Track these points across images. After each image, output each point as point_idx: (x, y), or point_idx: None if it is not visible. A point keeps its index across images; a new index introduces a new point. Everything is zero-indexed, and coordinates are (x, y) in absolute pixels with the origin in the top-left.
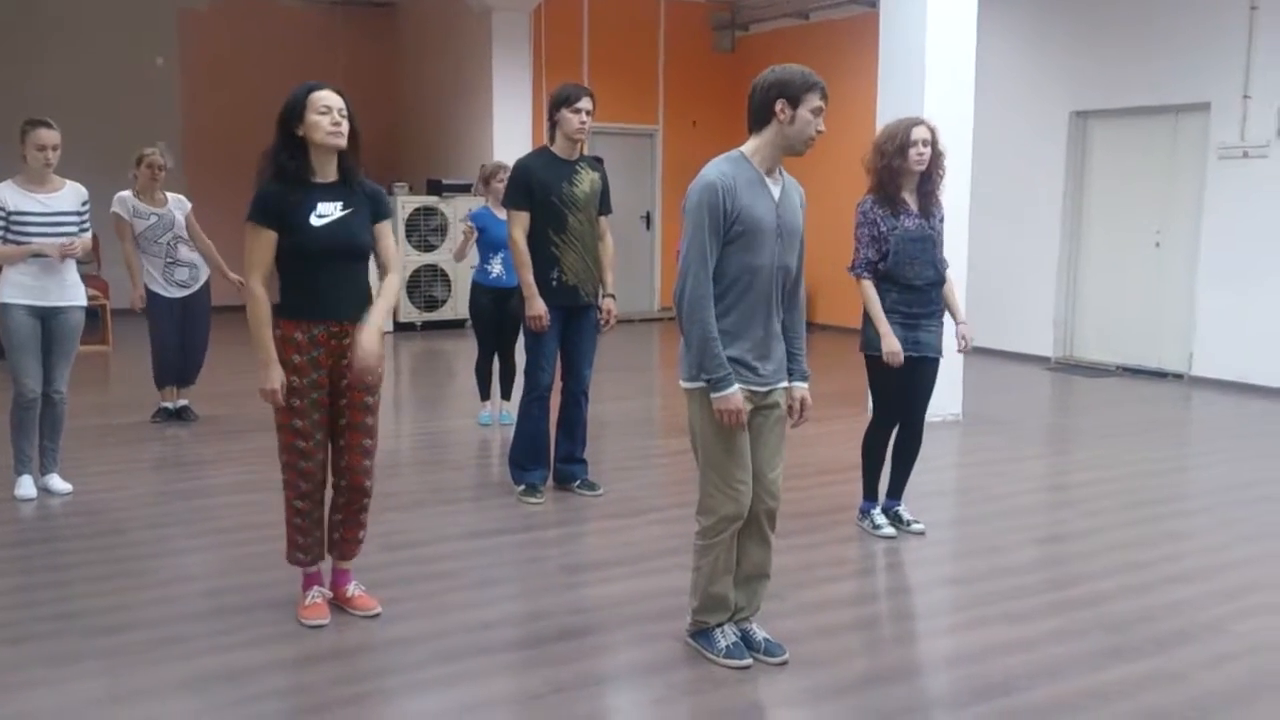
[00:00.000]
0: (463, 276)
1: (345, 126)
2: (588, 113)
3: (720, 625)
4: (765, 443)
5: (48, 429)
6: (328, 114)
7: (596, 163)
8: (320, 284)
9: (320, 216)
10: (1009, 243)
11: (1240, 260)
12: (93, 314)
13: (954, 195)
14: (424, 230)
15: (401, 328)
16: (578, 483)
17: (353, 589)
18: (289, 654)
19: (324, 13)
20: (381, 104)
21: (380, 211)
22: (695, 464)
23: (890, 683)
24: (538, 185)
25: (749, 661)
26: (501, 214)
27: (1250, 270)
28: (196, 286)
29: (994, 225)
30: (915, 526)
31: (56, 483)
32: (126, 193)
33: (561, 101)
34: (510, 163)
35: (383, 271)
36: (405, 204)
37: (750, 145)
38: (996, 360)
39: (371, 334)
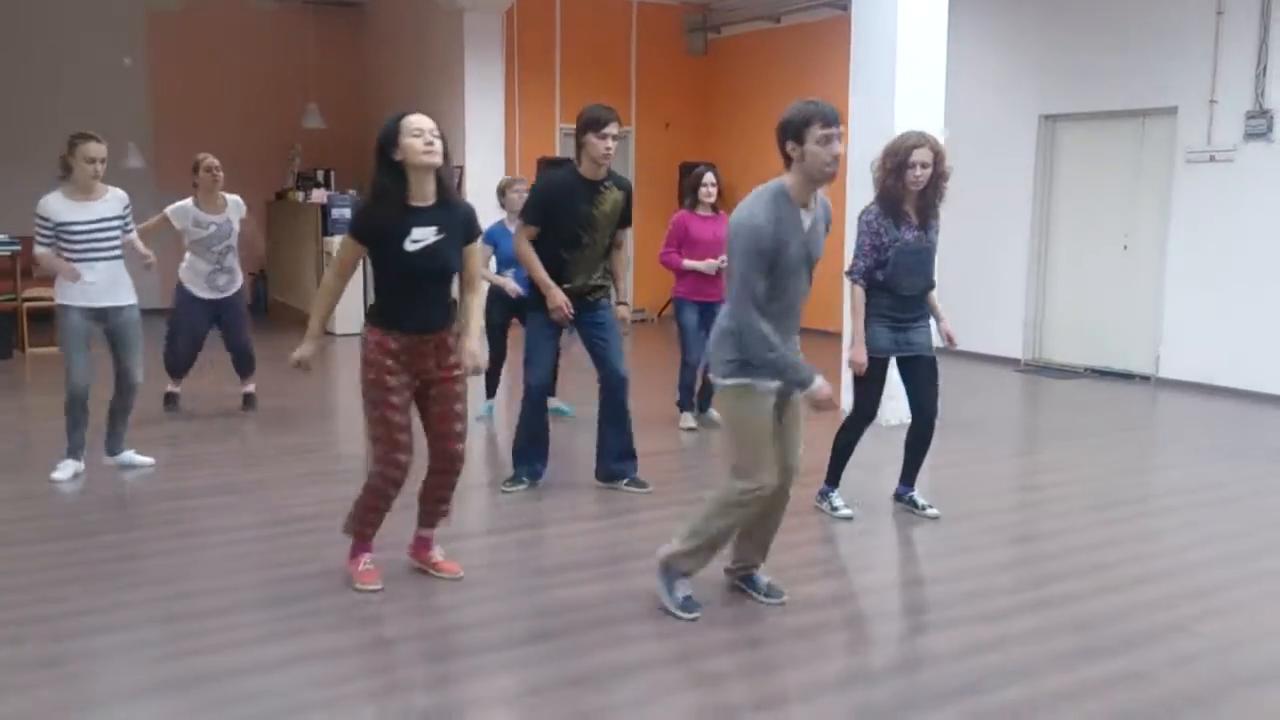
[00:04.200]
0: None
1: (439, 146)
2: (614, 137)
3: (686, 576)
4: (790, 435)
5: (120, 414)
6: (420, 136)
7: (623, 180)
8: (410, 301)
9: (414, 241)
10: (979, 245)
11: (1207, 263)
12: None
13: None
14: None
15: None
16: (626, 480)
17: (439, 554)
18: (262, 658)
19: (294, 13)
20: (352, 105)
21: (472, 233)
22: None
23: (863, 683)
24: (558, 208)
25: (697, 615)
26: (510, 225)
27: (1217, 273)
28: (231, 292)
29: (964, 228)
30: (930, 511)
31: (134, 457)
32: (188, 202)
33: (589, 126)
34: (519, 176)
35: (466, 287)
36: None
37: (787, 179)
38: (966, 362)
39: (475, 343)
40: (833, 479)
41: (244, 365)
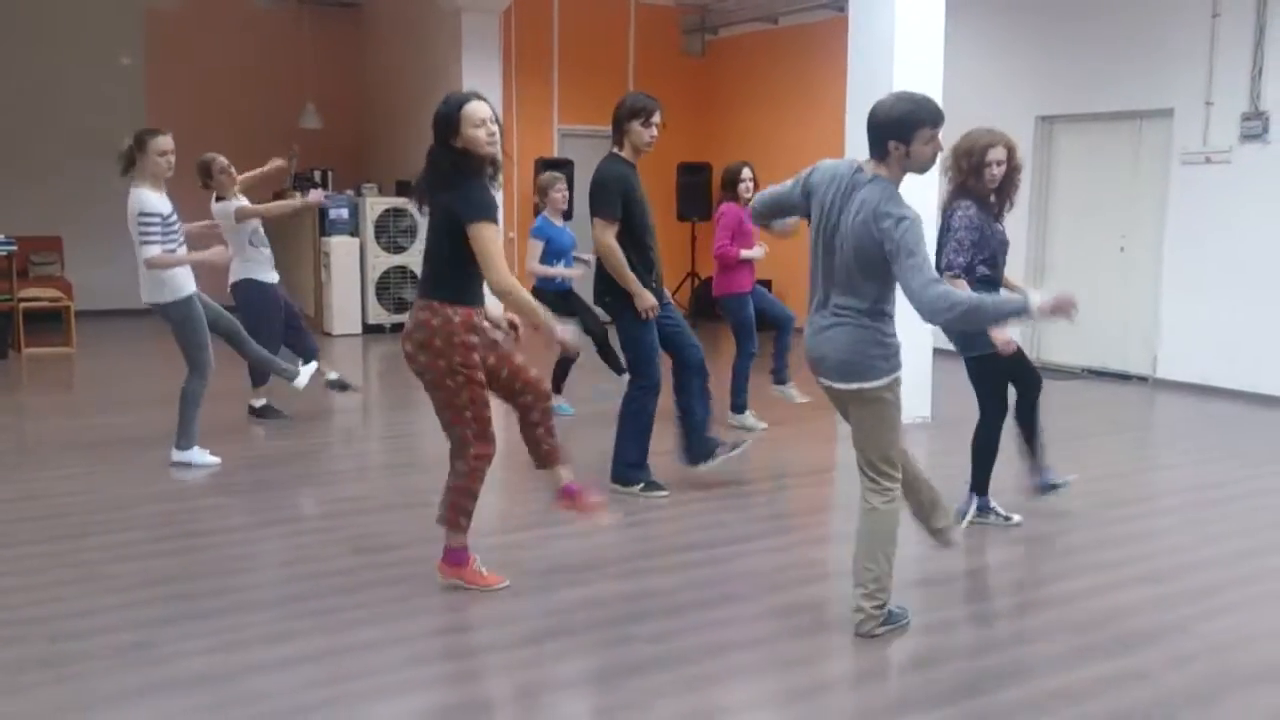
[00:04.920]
0: None
1: (498, 134)
2: (658, 126)
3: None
4: None
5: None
6: (483, 126)
7: None
8: (480, 276)
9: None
10: None
11: (1204, 264)
12: (56, 316)
13: (922, 199)
14: (393, 231)
15: (370, 330)
16: (716, 450)
17: (595, 496)
18: (259, 658)
19: (292, 12)
20: (350, 104)
21: None
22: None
23: (861, 684)
24: (633, 197)
25: (909, 619)
26: (558, 221)
27: (1213, 274)
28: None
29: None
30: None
31: (208, 456)
32: (220, 203)
33: (636, 114)
34: (557, 174)
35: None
36: (374, 205)
37: (885, 171)
38: (964, 363)
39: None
40: (983, 486)
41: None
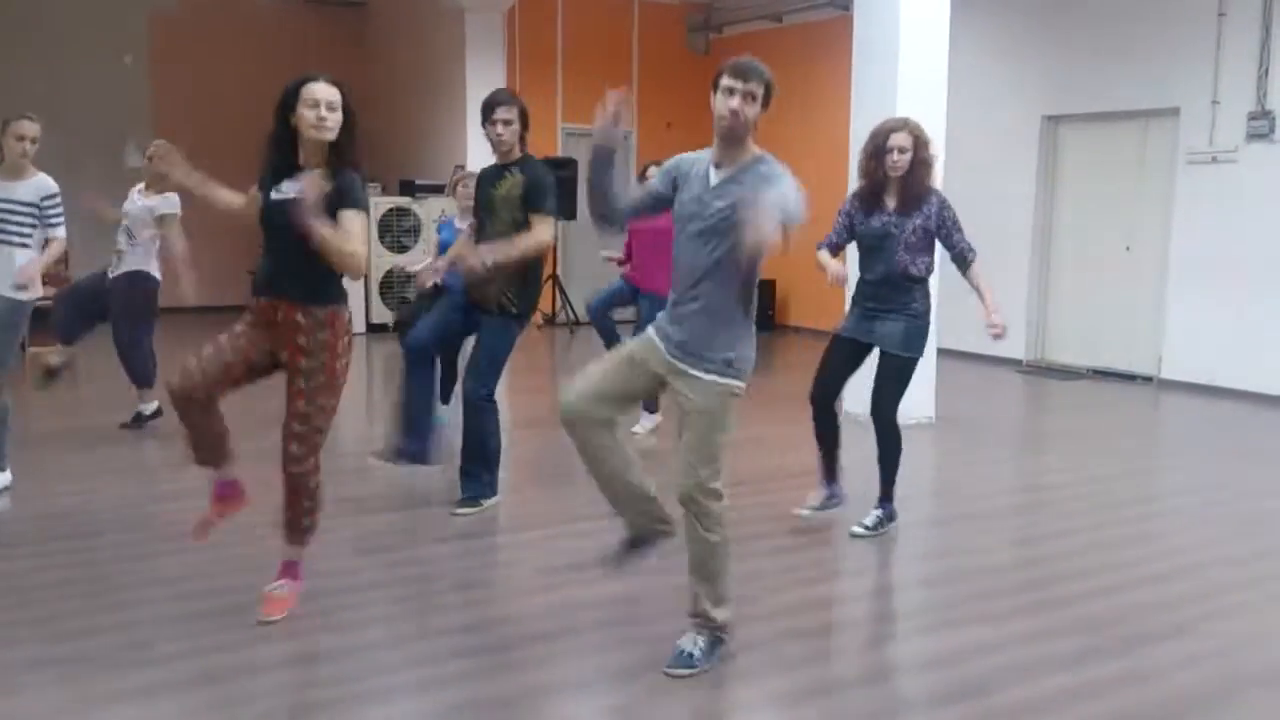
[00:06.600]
0: None
1: (332, 120)
2: (504, 123)
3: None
4: (685, 438)
5: None
6: (315, 108)
7: (535, 165)
8: (267, 259)
9: (279, 192)
10: (981, 245)
11: (1209, 264)
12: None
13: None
14: (397, 231)
15: (374, 329)
16: (458, 500)
17: (277, 589)
18: (258, 659)
19: (296, 12)
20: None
21: (339, 201)
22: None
23: (864, 686)
24: (478, 198)
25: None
26: (460, 223)
27: (1219, 274)
28: (115, 273)
29: (966, 228)
30: (855, 529)
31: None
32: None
33: (482, 116)
34: (471, 169)
35: None
36: (378, 204)
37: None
38: (969, 363)
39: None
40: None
41: (128, 371)
